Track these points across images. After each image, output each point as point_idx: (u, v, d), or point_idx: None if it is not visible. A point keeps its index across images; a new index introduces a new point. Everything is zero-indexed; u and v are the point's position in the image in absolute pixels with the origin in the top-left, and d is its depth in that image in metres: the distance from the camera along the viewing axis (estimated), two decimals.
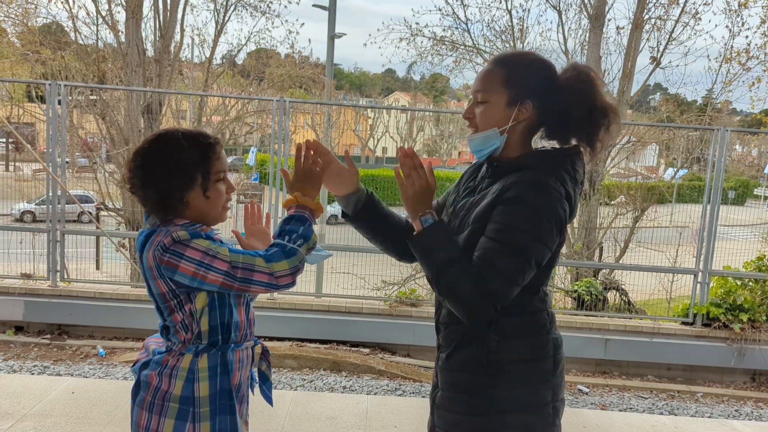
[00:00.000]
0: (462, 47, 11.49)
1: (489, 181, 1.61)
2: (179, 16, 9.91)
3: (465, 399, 1.56)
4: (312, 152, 1.63)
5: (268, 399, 1.76)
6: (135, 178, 1.53)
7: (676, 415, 5.04)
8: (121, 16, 9.50)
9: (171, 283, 1.50)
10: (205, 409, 1.54)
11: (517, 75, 1.58)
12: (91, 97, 9.14)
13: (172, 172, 1.52)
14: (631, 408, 5.24)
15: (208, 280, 1.47)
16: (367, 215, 1.75)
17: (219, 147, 1.59)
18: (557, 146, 1.64)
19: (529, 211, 1.46)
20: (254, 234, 1.83)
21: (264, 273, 1.48)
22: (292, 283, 1.53)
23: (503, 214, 1.47)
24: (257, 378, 1.76)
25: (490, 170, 1.63)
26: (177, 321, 1.56)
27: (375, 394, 5.03)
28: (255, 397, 1.79)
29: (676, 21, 10.11)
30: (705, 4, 10.07)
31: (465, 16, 11.43)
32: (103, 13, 9.52)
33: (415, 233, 1.57)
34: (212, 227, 1.65)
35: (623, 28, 10.20)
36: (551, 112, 1.57)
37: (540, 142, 1.68)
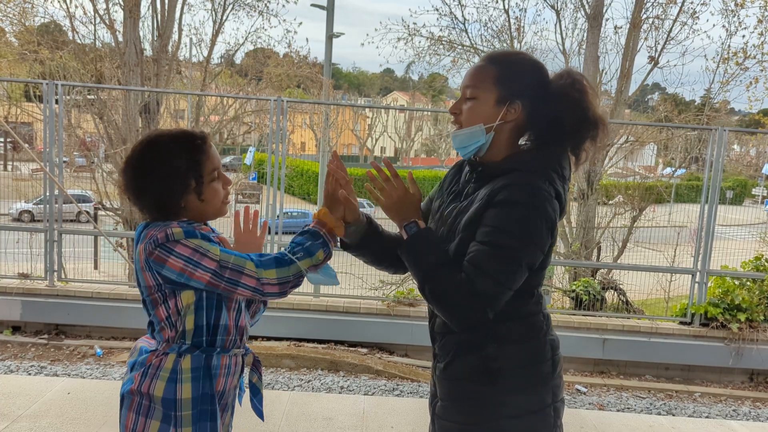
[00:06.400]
0: (459, 47, 11.48)
1: (475, 185, 1.58)
2: (177, 15, 9.90)
3: (466, 408, 1.55)
4: (336, 167, 1.59)
5: (259, 413, 1.73)
6: (129, 190, 1.55)
7: (674, 414, 5.04)
8: (118, 15, 9.50)
9: (159, 277, 1.50)
10: (186, 413, 1.52)
11: (510, 74, 1.55)
12: (89, 97, 9.12)
13: (166, 181, 1.52)
14: (628, 408, 5.23)
15: (195, 277, 1.47)
16: (369, 244, 1.72)
17: (207, 145, 1.57)
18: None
19: (519, 213, 1.43)
20: (244, 249, 1.74)
21: (252, 277, 1.48)
22: (280, 294, 1.51)
23: (493, 217, 1.45)
24: (246, 389, 1.72)
25: (475, 174, 1.60)
26: (162, 317, 1.54)
27: (372, 394, 5.02)
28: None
29: (674, 20, 10.11)
30: (702, 3, 10.08)
31: (462, 15, 11.47)
32: (101, 13, 9.51)
33: (403, 242, 1.56)
34: (214, 229, 1.64)
35: (621, 27, 10.21)
36: (541, 117, 1.54)
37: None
